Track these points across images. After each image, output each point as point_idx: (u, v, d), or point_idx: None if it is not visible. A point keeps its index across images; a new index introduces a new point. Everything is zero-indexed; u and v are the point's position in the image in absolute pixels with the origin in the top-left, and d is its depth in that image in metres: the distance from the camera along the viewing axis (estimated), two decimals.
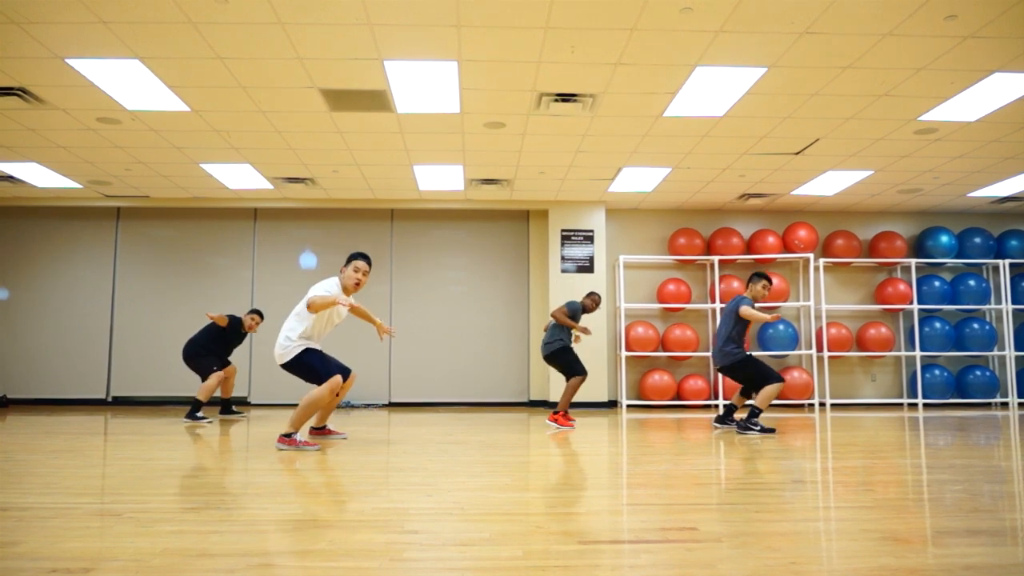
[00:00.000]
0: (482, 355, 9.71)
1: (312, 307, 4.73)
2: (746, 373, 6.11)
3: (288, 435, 4.79)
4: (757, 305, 6.33)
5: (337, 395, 4.99)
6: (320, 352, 4.97)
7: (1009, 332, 9.45)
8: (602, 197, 9.23)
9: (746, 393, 6.35)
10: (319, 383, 4.83)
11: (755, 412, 5.91)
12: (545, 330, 6.96)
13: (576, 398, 9.09)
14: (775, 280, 9.34)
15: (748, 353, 6.14)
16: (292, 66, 5.27)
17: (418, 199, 9.40)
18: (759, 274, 6.33)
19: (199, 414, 6.96)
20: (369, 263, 5.09)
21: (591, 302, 6.96)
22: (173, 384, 9.45)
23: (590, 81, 5.54)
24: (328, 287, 4.95)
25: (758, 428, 5.88)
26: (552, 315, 6.73)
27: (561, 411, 6.71)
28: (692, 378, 9.27)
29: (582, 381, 6.73)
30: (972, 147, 7.07)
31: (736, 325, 6.15)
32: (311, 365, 4.86)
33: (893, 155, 7.37)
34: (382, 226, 9.84)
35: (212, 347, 7.32)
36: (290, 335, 4.89)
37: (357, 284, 5.01)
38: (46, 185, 8.63)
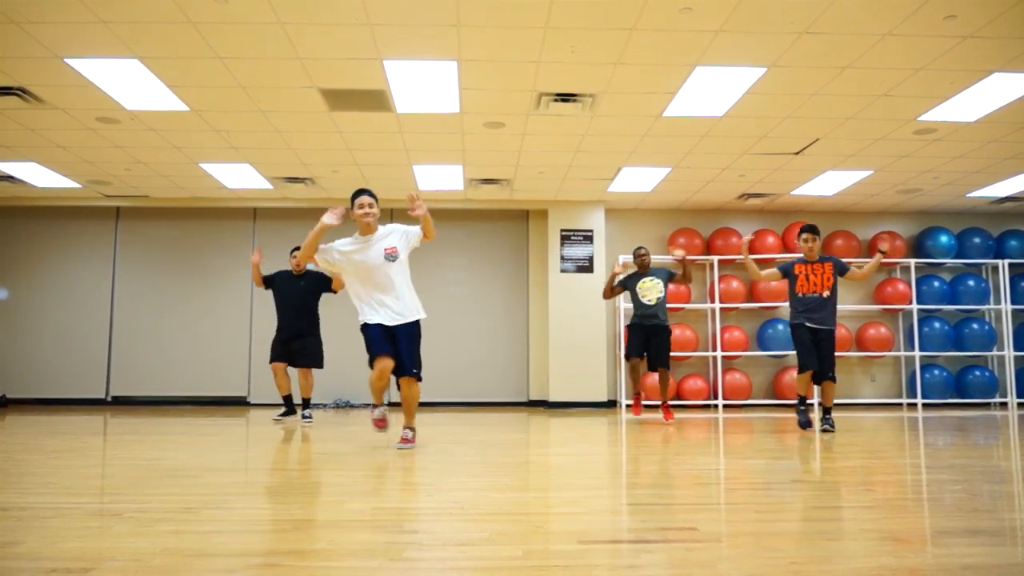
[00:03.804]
0: (482, 355, 9.70)
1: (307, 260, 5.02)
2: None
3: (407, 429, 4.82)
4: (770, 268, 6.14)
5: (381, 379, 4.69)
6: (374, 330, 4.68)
7: (1008, 332, 9.45)
8: (602, 197, 9.23)
9: (816, 380, 5.93)
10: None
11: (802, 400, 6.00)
12: (655, 302, 6.86)
13: (574, 398, 9.10)
14: (775, 283, 9.32)
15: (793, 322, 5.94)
16: (292, 66, 5.27)
17: None
18: (806, 227, 5.94)
19: (305, 412, 6.82)
20: (371, 195, 4.77)
21: (640, 258, 7.06)
22: (173, 384, 9.45)
23: (590, 81, 5.54)
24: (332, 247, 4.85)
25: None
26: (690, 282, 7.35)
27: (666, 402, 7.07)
28: (691, 378, 9.27)
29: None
30: (971, 147, 7.07)
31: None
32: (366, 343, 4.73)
33: (892, 155, 7.37)
34: None
35: (280, 315, 6.85)
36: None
37: (367, 221, 4.80)
38: (45, 185, 8.63)
